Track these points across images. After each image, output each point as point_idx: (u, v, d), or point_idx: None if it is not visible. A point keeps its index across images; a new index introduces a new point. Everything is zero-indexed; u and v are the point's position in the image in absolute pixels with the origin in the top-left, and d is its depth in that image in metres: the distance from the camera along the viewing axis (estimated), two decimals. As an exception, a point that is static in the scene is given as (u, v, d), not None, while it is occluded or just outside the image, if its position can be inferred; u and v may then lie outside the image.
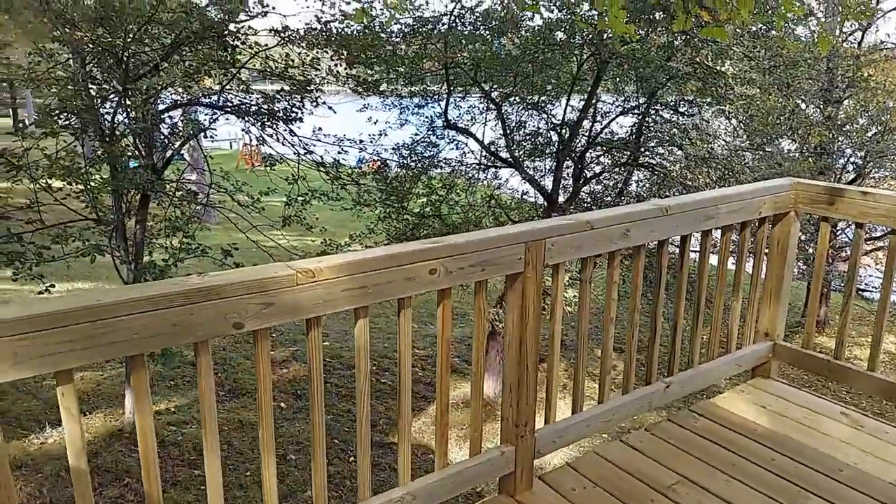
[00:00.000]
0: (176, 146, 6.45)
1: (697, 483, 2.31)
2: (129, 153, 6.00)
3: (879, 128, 11.69)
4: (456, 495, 2.14)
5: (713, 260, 2.94)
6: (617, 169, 9.08)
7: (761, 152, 9.32)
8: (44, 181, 5.91)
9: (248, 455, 6.51)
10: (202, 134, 6.54)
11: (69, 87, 6.14)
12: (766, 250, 2.94)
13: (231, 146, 23.60)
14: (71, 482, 1.43)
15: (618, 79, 8.98)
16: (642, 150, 8.61)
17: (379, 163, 9.10)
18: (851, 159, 12.87)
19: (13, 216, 5.91)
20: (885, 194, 2.71)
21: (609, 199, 9.01)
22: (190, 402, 7.34)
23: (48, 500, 5.29)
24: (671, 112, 8.86)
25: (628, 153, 8.70)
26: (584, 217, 2.22)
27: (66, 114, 5.95)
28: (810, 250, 10.36)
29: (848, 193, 2.78)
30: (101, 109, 6.00)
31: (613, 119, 8.93)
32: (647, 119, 8.68)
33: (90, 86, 6.01)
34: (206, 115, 7.20)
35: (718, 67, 8.28)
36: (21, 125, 5.86)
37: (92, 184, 6.06)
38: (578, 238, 2.17)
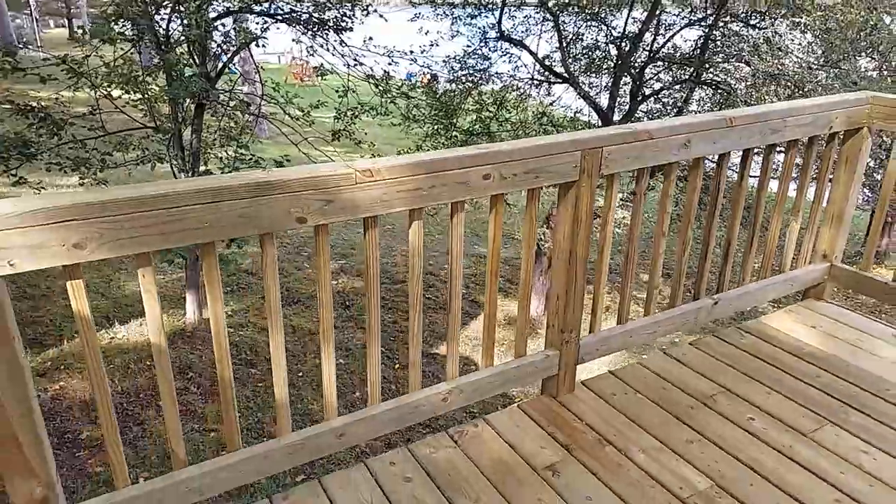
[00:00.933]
0: (229, 55, 6.46)
1: (738, 394, 2.36)
2: (184, 61, 6.05)
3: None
4: (499, 393, 2.25)
5: (773, 183, 2.84)
6: (677, 86, 8.67)
7: (836, 70, 8.69)
8: (104, 89, 6.06)
9: (300, 357, 6.89)
10: (254, 43, 6.52)
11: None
12: (831, 174, 2.82)
13: (279, 60, 23.44)
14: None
15: (685, -12, 8.41)
16: (706, 65, 8.15)
17: (429, 76, 8.93)
18: (936, 80, 11.86)
19: (76, 123, 6.12)
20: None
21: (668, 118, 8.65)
22: (245, 308, 7.73)
23: (119, 388, 5.77)
24: (741, 25, 8.28)
25: (691, 69, 8.26)
26: (644, 126, 2.17)
27: (122, 20, 6.00)
28: (878, 177, 9.83)
29: (929, 109, 2.61)
30: (155, 17, 6.02)
31: (678, 32, 8.44)
32: (713, 32, 8.16)
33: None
34: (256, 23, 7.14)
35: (797, -25, 7.61)
36: (80, 30, 5.93)
37: (149, 92, 6.18)
38: (637, 147, 2.12)
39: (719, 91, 8.28)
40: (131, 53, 6.20)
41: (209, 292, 1.58)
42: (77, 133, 6.08)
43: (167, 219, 1.41)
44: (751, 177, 2.92)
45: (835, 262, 2.97)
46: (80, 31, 6.16)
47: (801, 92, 7.62)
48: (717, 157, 2.47)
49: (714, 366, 2.55)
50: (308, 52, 7.44)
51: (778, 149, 2.60)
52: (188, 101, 6.03)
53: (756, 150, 2.52)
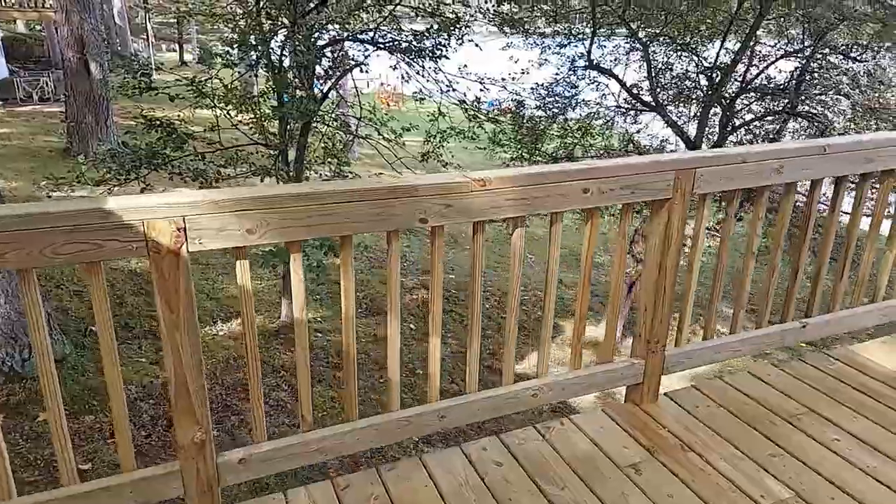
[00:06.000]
0: (333, 80, 6.97)
1: (823, 415, 2.40)
2: (294, 85, 6.59)
3: None
4: (584, 394, 2.40)
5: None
6: (770, 118, 8.52)
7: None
8: (221, 109, 6.69)
9: (382, 364, 7.18)
10: (357, 68, 7.01)
11: (241, 22, 6.82)
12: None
13: (367, 85, 24.52)
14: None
15: (782, 19, 8.31)
16: (802, 97, 7.99)
17: (515, 103, 9.20)
18: None
19: (197, 137, 6.77)
20: None
21: (757, 149, 8.49)
22: (333, 314, 8.14)
23: (220, 381, 6.25)
24: (840, 57, 8.08)
25: (785, 101, 8.11)
26: (737, 150, 2.30)
27: (242, 47, 6.63)
28: None
29: None
30: (272, 44, 6.61)
31: (772, 63, 8.33)
32: (811, 64, 8.00)
33: (263, 21, 6.61)
34: (358, 50, 7.66)
35: (905, 6, 7.38)
36: (203, 53, 6.61)
37: (259, 112, 6.76)
38: (729, 170, 2.25)
39: (815, 124, 8.08)
40: (248, 76, 6.82)
41: (343, 274, 1.85)
42: (197, 147, 6.73)
43: (319, 212, 1.69)
44: (844, 213, 2.96)
45: (933, 294, 2.93)
46: (205, 53, 6.83)
47: (904, 126, 7.33)
48: (809, 183, 2.54)
49: (799, 387, 2.59)
50: (404, 77, 7.88)
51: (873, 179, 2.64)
52: (297, 120, 6.55)
53: (851, 180, 2.58)
